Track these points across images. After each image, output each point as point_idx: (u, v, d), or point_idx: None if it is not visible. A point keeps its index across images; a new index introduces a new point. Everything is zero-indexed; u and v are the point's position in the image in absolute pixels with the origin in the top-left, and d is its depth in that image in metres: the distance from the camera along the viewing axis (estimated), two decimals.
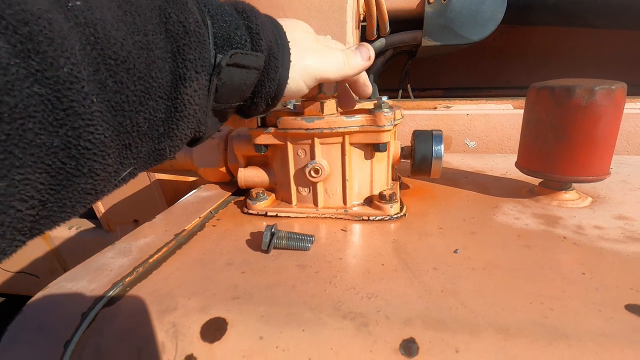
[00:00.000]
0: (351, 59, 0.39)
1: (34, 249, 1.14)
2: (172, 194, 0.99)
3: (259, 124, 0.46)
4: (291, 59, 0.34)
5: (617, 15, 1.21)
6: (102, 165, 0.20)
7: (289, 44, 0.34)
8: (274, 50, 0.31)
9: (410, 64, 1.39)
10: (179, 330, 0.27)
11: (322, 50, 0.37)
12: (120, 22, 0.21)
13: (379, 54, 1.22)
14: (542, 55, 1.72)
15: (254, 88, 0.33)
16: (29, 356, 0.26)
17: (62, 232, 1.11)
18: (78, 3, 0.19)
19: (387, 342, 0.25)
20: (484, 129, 0.91)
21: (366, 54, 0.40)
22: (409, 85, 1.44)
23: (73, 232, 1.11)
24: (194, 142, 0.31)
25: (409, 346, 0.25)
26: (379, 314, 0.27)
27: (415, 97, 1.40)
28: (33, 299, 0.30)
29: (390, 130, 0.43)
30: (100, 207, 1.05)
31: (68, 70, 0.17)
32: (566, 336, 0.25)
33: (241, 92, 0.31)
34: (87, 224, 1.14)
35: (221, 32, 0.28)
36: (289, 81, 0.34)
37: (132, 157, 0.23)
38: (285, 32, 0.33)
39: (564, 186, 0.48)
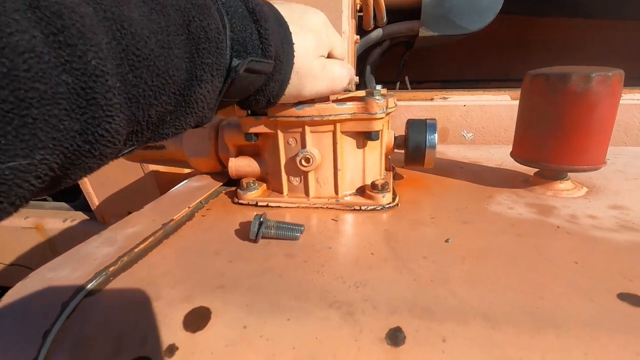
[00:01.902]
0: (345, 80, 0.40)
1: (27, 241, 1.13)
2: (166, 186, 0.98)
3: (249, 113, 0.45)
4: (294, 69, 0.35)
5: (617, 6, 1.19)
6: (111, 149, 0.21)
7: (294, 47, 0.34)
8: (280, 54, 0.33)
9: (408, 56, 1.38)
10: (161, 319, 0.27)
11: (319, 74, 0.38)
12: (146, 20, 0.22)
13: (375, 44, 1.20)
14: (542, 47, 1.71)
15: (259, 87, 0.34)
16: (7, 346, 0.25)
17: (56, 225, 1.10)
18: None
19: (372, 331, 0.25)
20: (481, 120, 0.90)
21: (353, 78, 0.44)
22: (406, 77, 1.42)
23: (67, 224, 1.10)
24: (194, 127, 0.32)
25: (395, 335, 0.24)
26: (365, 303, 0.27)
27: (413, 89, 1.39)
28: (13, 288, 0.30)
29: (382, 118, 0.42)
30: (94, 200, 1.05)
31: (95, 64, 0.19)
32: (556, 325, 0.24)
33: (247, 91, 0.33)
34: (81, 216, 1.13)
35: (238, 38, 0.29)
36: (289, 85, 0.36)
37: (136, 141, 0.24)
38: (291, 34, 0.34)
39: (559, 176, 0.48)
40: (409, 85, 1.38)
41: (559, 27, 1.62)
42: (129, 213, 1.08)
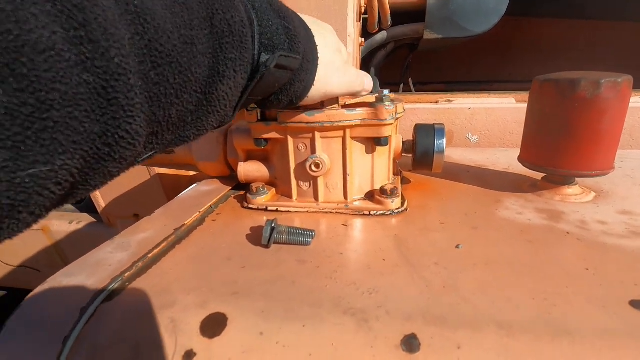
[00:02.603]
0: (359, 84, 0.41)
1: (34, 243, 1.14)
2: (171, 189, 0.99)
3: (259, 118, 0.45)
4: (318, 70, 0.35)
5: (621, 7, 1.19)
6: (131, 152, 0.20)
7: (317, 47, 0.34)
8: (307, 53, 0.32)
9: (412, 58, 1.38)
10: (178, 325, 0.27)
11: (342, 70, 0.38)
12: (169, 14, 0.21)
13: (380, 47, 1.21)
14: (546, 48, 1.71)
15: (282, 86, 0.33)
16: (27, 351, 0.26)
17: (63, 227, 1.11)
18: None
19: (388, 338, 0.25)
20: (486, 123, 0.90)
21: (369, 85, 0.43)
22: (410, 79, 1.42)
23: (74, 226, 1.11)
24: (215, 128, 0.32)
25: (410, 342, 0.24)
26: (379, 309, 0.27)
27: (417, 91, 1.39)
28: (31, 294, 0.30)
29: (391, 124, 0.43)
30: (100, 202, 1.05)
31: (118, 62, 0.17)
32: (569, 332, 0.24)
33: (270, 89, 0.32)
34: (87, 219, 1.14)
35: (266, 32, 0.28)
36: (313, 87, 0.35)
37: (156, 144, 0.23)
38: (313, 36, 0.34)
39: (567, 181, 0.48)
40: (412, 88, 1.39)
41: (564, 29, 1.62)
42: (135, 215, 1.09)
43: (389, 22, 1.12)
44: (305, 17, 0.36)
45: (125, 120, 0.18)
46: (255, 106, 0.38)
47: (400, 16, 1.13)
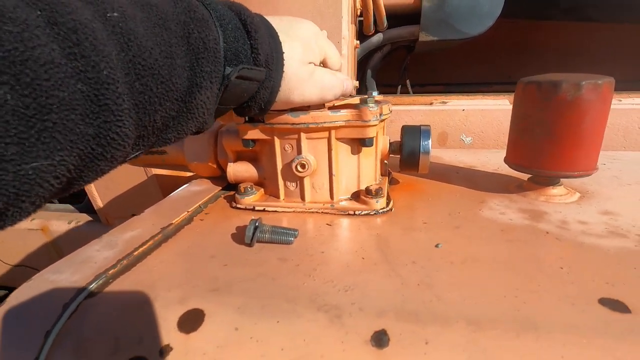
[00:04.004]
0: (337, 88, 0.42)
1: (33, 242, 1.15)
2: (168, 189, 1.00)
3: (247, 119, 0.46)
4: (283, 76, 0.37)
5: (618, 9, 1.20)
6: (121, 152, 0.23)
7: (283, 54, 0.36)
8: (270, 62, 0.35)
9: (409, 59, 1.38)
10: (157, 321, 0.28)
11: (308, 79, 0.39)
12: (150, 34, 0.24)
13: (376, 49, 1.21)
14: (544, 50, 1.71)
15: (252, 95, 0.36)
16: (10, 345, 0.27)
17: (62, 226, 1.12)
18: (115, 14, 0.22)
19: (358, 333, 0.26)
20: (480, 124, 0.91)
21: (349, 89, 0.44)
22: (407, 81, 1.43)
23: (72, 225, 1.12)
24: (195, 134, 0.34)
25: (379, 337, 0.25)
26: (353, 306, 0.28)
27: (415, 92, 1.39)
28: (16, 290, 0.31)
29: (375, 125, 0.43)
30: (98, 202, 1.07)
31: (107, 73, 0.20)
32: (536, 328, 0.25)
33: (241, 98, 0.35)
34: (85, 218, 1.15)
35: (230, 48, 0.31)
36: (279, 94, 0.37)
37: (142, 145, 0.26)
38: (281, 44, 0.36)
39: (552, 181, 0.48)
40: (410, 89, 1.39)
41: (560, 30, 1.62)
42: (133, 215, 1.10)
43: (385, 24, 1.13)
44: (280, 22, 0.37)
45: (115, 124, 0.21)
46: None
47: (396, 18, 1.14)
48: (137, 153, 0.27)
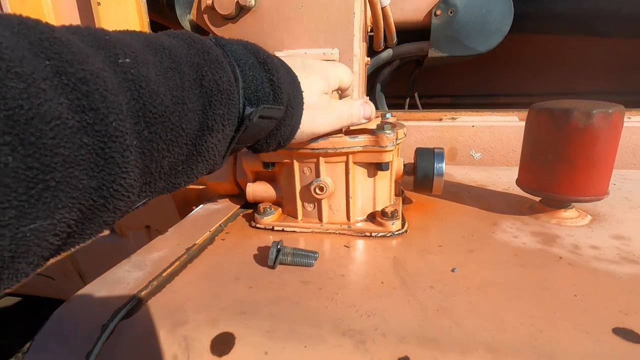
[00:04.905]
0: (354, 117, 0.44)
1: None
2: (181, 201, 1.02)
3: None
4: (303, 114, 0.38)
5: (627, 24, 1.21)
6: (125, 202, 0.22)
7: (302, 93, 0.37)
8: (291, 101, 0.35)
9: (417, 73, 1.40)
10: (190, 343, 0.29)
11: (329, 112, 0.41)
12: (162, 78, 0.23)
13: (386, 64, 1.24)
14: (552, 62, 1.72)
15: (269, 132, 0.36)
16: None
17: None
18: (127, 60, 0.21)
19: (382, 359, 0.27)
20: (489, 140, 0.92)
21: (368, 113, 0.45)
22: (416, 94, 1.45)
23: None
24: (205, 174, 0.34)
25: None
26: (376, 331, 0.29)
27: (423, 104, 1.41)
28: (57, 310, 0.33)
29: (391, 150, 0.45)
30: None
31: (116, 125, 0.19)
32: (553, 357, 0.26)
33: (258, 136, 0.35)
34: None
35: (250, 87, 0.30)
36: (299, 130, 0.38)
37: (149, 191, 0.25)
38: (299, 82, 0.37)
39: (564, 204, 0.49)
40: (419, 104, 1.41)
41: (569, 43, 1.63)
42: (146, 226, 1.12)
43: (395, 40, 1.15)
44: (295, 61, 0.38)
45: (120, 176, 0.20)
46: None
47: (406, 34, 1.16)
48: (144, 200, 0.25)
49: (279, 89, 0.33)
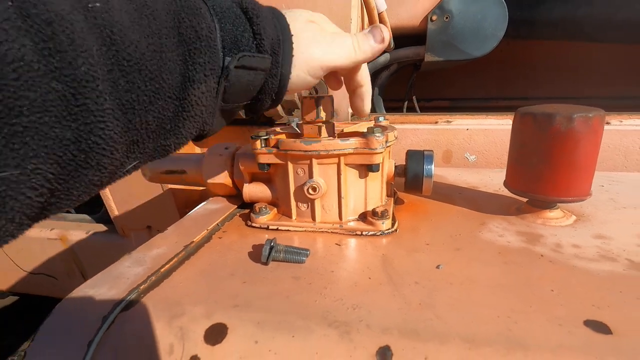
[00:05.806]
0: (362, 43, 0.38)
1: (52, 252, 1.20)
2: (183, 202, 1.04)
3: (263, 145, 0.50)
4: (293, 53, 0.34)
5: (621, 30, 1.23)
6: (109, 159, 0.21)
7: (292, 37, 0.33)
8: (275, 48, 0.32)
9: (415, 77, 1.42)
10: (186, 333, 0.31)
11: (327, 38, 0.36)
12: (136, 25, 0.22)
13: (383, 68, 1.26)
14: (548, 66, 1.74)
15: (260, 87, 0.33)
16: (58, 353, 0.30)
17: (79, 236, 1.17)
18: (98, 4, 0.20)
19: (365, 348, 0.29)
20: (483, 143, 0.94)
21: (379, 36, 0.39)
22: (414, 97, 1.47)
23: (90, 236, 1.17)
24: (198, 138, 0.32)
25: (384, 353, 0.28)
26: (360, 323, 0.31)
27: (421, 107, 1.43)
28: (60, 303, 0.35)
29: (381, 152, 0.47)
30: (115, 213, 1.11)
31: (85, 70, 0.19)
32: (525, 347, 0.28)
33: (249, 92, 0.32)
34: (102, 228, 1.20)
35: (228, 36, 0.29)
36: (291, 76, 0.34)
37: (138, 152, 0.24)
38: (288, 25, 0.33)
39: (549, 205, 0.51)
40: (417, 106, 1.43)
41: (565, 48, 1.65)
42: (148, 227, 1.14)
43: (392, 45, 1.17)
44: (290, 9, 0.35)
45: (96, 126, 0.19)
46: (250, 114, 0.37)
47: (403, 39, 1.18)
48: (134, 162, 0.25)
49: (259, 36, 0.30)
